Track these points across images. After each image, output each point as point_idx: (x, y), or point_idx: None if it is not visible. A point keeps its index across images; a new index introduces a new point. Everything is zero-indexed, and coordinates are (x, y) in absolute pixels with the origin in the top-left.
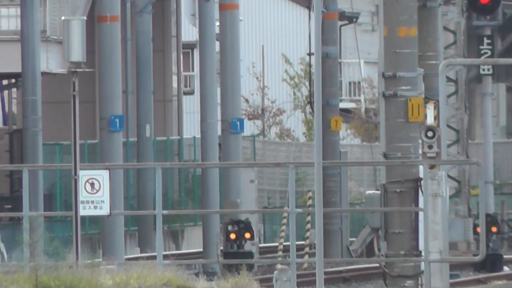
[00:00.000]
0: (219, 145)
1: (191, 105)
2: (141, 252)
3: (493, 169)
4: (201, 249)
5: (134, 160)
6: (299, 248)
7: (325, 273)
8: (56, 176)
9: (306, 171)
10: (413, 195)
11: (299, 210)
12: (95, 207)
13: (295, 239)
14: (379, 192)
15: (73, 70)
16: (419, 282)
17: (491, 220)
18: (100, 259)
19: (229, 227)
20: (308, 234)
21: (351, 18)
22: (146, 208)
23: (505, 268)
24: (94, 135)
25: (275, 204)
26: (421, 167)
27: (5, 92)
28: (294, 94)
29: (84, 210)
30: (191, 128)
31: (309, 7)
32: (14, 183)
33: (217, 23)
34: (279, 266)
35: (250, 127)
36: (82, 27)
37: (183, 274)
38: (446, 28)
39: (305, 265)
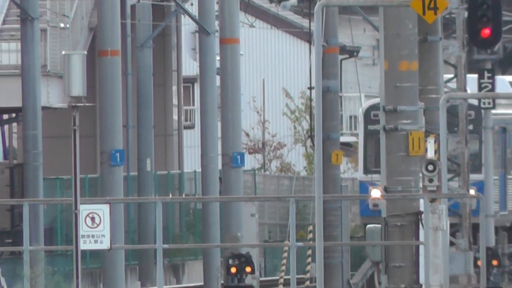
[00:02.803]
0: (220, 179)
1: (191, 139)
2: (142, 286)
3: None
4: (202, 283)
5: (135, 194)
6: (300, 281)
7: None
8: (57, 211)
9: (307, 204)
10: (414, 228)
11: (300, 244)
12: (96, 241)
13: (296, 273)
14: (379, 225)
15: (73, 104)
16: None
17: (492, 253)
18: None
19: (230, 261)
20: (308, 267)
21: (352, 52)
22: (147, 242)
23: None
24: (94, 169)
25: (276, 237)
26: (421, 201)
27: (6, 127)
28: (295, 128)
29: (85, 244)
30: (191, 162)
31: (309, 41)
32: (14, 218)
33: (218, 57)
34: None
35: (251, 161)
36: (82, 62)
37: None
38: (447, 62)
39: None
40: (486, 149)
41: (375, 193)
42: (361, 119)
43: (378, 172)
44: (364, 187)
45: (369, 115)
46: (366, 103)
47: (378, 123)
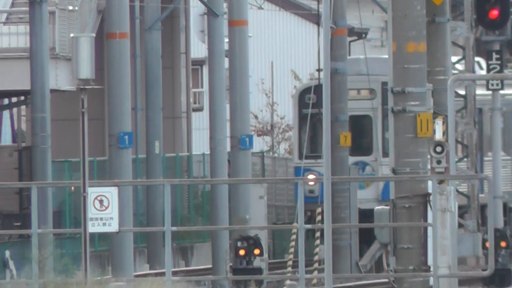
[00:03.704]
0: (228, 161)
1: (200, 121)
2: (150, 269)
3: None
4: (211, 266)
5: (144, 177)
6: (308, 264)
7: None
8: (65, 193)
9: None
10: (422, 210)
11: (308, 226)
12: (104, 224)
13: (304, 255)
14: (388, 207)
15: (81, 87)
16: None
17: (500, 234)
18: (109, 276)
19: (238, 243)
20: (317, 250)
21: (360, 34)
22: (156, 225)
23: None
24: (103, 152)
25: (284, 220)
26: (429, 182)
27: (14, 110)
28: None
29: (93, 227)
30: (200, 145)
31: (318, 23)
32: (23, 201)
33: (226, 40)
34: (288, 282)
35: (259, 143)
36: (91, 44)
37: None
38: (455, 43)
39: (314, 281)
40: (494, 130)
41: (311, 178)
42: (295, 102)
43: (313, 157)
44: (298, 173)
45: (303, 99)
46: (300, 86)
47: (313, 107)
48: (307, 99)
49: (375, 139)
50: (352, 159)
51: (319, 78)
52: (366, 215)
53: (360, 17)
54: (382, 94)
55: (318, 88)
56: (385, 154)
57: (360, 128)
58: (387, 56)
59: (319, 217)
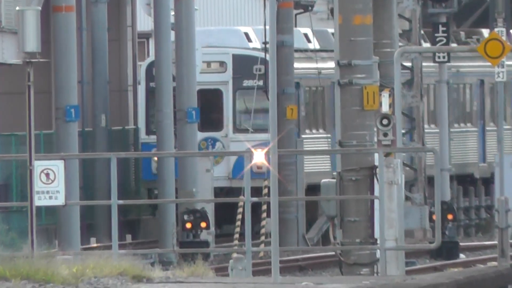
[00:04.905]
0: (175, 134)
1: None
2: (97, 242)
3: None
4: (157, 239)
5: (90, 150)
6: (255, 237)
7: (281, 261)
8: (12, 167)
9: None
10: (369, 183)
11: (255, 199)
12: (51, 198)
13: (251, 228)
14: (334, 180)
15: (27, 60)
16: (375, 270)
17: (447, 207)
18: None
19: (185, 217)
20: (263, 223)
21: (306, 7)
22: (103, 199)
23: (461, 255)
24: (50, 125)
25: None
26: (376, 155)
27: None
28: None
29: (40, 201)
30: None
31: None
32: None
33: (173, 13)
34: (235, 255)
35: None
36: (37, 17)
37: (139, 263)
38: (401, 16)
39: (261, 254)
40: (441, 103)
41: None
42: (142, 76)
43: None
44: (146, 148)
45: (151, 72)
46: (147, 59)
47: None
48: (155, 72)
49: (226, 114)
50: (201, 135)
51: (265, 51)
52: (216, 192)
53: None
54: (233, 67)
55: None
56: (236, 129)
57: (210, 102)
58: (238, 28)
59: (265, 190)
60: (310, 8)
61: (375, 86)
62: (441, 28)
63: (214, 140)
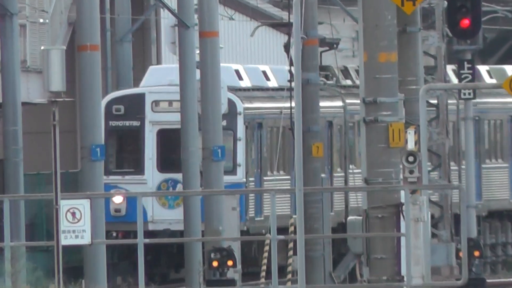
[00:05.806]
0: (201, 172)
1: None
2: (123, 281)
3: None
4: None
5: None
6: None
7: None
8: (38, 207)
9: None
10: (395, 220)
11: (281, 237)
12: (77, 237)
13: (277, 266)
14: (361, 217)
15: (53, 100)
16: None
17: (473, 244)
18: None
19: (212, 255)
20: (290, 260)
21: (331, 44)
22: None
23: None
24: (75, 164)
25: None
26: (402, 192)
27: None
28: None
29: (66, 240)
30: None
31: (289, 33)
32: None
33: (197, 51)
34: None
35: None
36: (61, 57)
37: None
38: (426, 53)
39: None
40: (467, 139)
41: (118, 199)
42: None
43: (120, 174)
44: (105, 189)
45: (111, 110)
46: (106, 96)
47: (122, 119)
48: (115, 110)
49: None
50: (161, 176)
51: (290, 89)
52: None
53: (332, 28)
54: None
55: (126, 99)
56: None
57: (171, 142)
58: (229, 65)
59: (292, 228)
60: (335, 45)
61: (401, 123)
62: (466, 65)
63: (175, 182)
